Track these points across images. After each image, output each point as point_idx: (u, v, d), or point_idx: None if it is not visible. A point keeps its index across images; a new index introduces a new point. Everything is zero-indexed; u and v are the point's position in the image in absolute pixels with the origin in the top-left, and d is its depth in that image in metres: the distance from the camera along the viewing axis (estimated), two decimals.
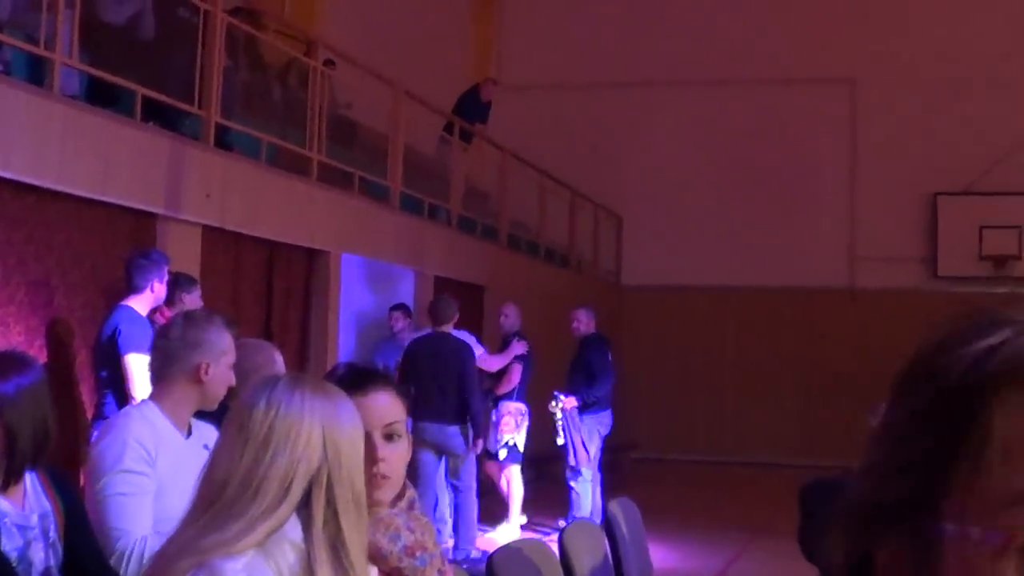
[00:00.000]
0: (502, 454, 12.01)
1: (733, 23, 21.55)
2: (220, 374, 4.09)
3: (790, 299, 21.24)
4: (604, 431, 12.40)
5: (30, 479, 3.61)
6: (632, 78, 21.88)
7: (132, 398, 6.94)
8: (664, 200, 21.63)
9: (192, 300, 8.10)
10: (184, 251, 8.78)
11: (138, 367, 6.93)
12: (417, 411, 9.62)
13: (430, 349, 10.55)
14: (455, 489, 10.73)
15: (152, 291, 7.40)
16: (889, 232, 21.12)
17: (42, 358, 7.65)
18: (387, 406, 2.68)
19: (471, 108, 16.14)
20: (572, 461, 11.98)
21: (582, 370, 12.23)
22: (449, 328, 10.75)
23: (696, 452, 20.92)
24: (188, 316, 4.28)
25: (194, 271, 8.62)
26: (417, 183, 13.67)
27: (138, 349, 6.97)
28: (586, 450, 11.96)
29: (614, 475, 18.42)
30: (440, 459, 10.54)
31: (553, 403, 11.98)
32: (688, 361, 21.55)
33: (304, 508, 2.27)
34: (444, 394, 10.32)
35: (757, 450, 20.59)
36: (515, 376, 12.13)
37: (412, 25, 18.54)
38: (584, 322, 12.60)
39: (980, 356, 0.96)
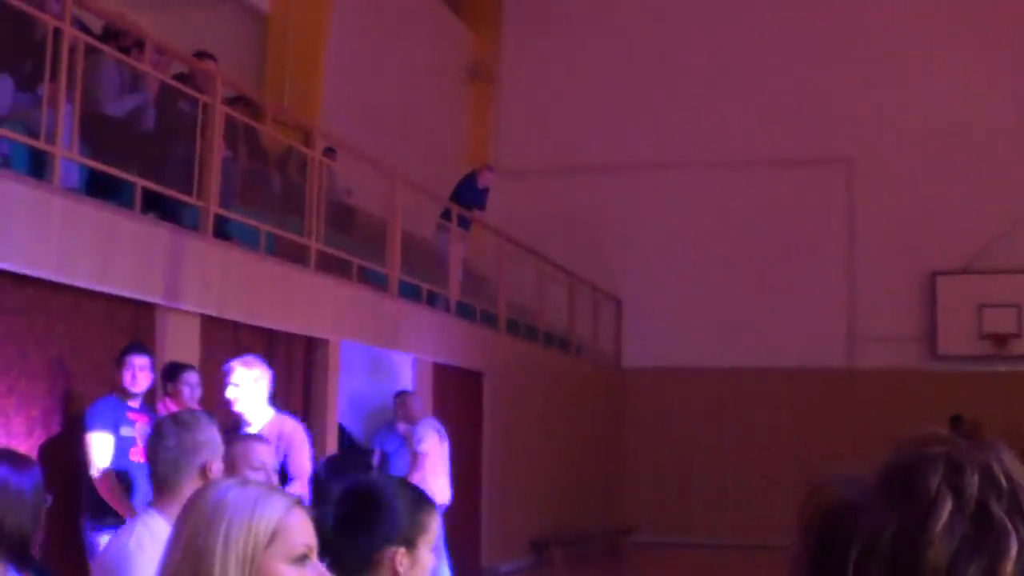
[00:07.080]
0: None
1: (729, 105, 21.69)
2: (219, 470, 4.08)
3: (789, 380, 21.17)
4: None
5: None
6: (629, 161, 22.02)
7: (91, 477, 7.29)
8: (663, 282, 21.65)
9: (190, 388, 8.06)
10: (183, 341, 8.82)
11: (97, 444, 7.32)
12: None
13: None
14: None
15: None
16: (888, 312, 21.07)
17: (36, 447, 7.67)
18: None
19: (468, 194, 16.23)
20: None
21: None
22: None
23: (696, 535, 20.77)
24: (176, 420, 4.21)
25: (193, 360, 8.64)
26: (415, 269, 13.72)
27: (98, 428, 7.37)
28: None
29: (612, 559, 18.39)
30: None
31: None
32: (689, 443, 21.43)
33: None
34: None
35: (757, 533, 20.42)
36: None
37: (410, 113, 18.72)
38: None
39: None
